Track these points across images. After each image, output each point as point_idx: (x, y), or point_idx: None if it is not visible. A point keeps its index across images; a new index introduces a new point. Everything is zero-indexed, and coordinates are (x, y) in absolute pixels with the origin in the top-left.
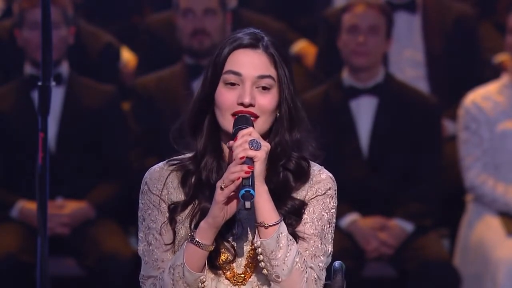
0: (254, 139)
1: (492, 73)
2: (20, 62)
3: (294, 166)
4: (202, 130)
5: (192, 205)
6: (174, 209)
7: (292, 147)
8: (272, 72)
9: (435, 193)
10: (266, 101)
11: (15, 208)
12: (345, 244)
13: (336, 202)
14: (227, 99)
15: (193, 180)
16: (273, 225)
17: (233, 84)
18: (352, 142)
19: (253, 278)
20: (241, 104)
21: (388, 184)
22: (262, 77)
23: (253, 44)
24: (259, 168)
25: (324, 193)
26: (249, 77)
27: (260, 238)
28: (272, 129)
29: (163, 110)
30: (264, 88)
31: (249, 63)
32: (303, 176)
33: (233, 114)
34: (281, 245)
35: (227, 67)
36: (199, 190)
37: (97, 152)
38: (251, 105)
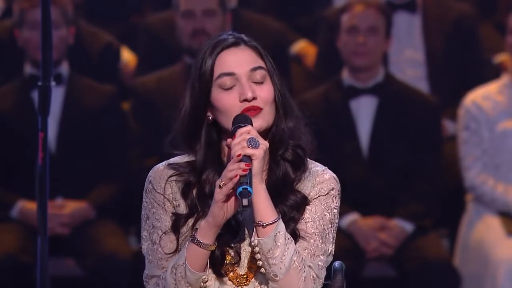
0: (252, 137)
1: (492, 73)
2: (20, 62)
3: (291, 155)
4: (200, 143)
5: (196, 215)
6: (177, 220)
7: (288, 135)
8: (261, 63)
9: (435, 193)
10: (265, 92)
11: (15, 208)
12: (345, 244)
13: (339, 203)
14: (230, 101)
15: (194, 191)
16: (270, 224)
17: (230, 88)
18: (352, 142)
19: (255, 279)
20: (245, 100)
21: (388, 184)
22: (254, 69)
23: (236, 42)
24: (257, 166)
25: (327, 193)
26: (243, 72)
27: (258, 237)
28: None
29: (163, 110)
30: (259, 82)
31: (238, 60)
32: (301, 165)
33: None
34: (279, 243)
35: (218, 71)
36: (202, 201)
37: (97, 152)
38: (254, 98)
